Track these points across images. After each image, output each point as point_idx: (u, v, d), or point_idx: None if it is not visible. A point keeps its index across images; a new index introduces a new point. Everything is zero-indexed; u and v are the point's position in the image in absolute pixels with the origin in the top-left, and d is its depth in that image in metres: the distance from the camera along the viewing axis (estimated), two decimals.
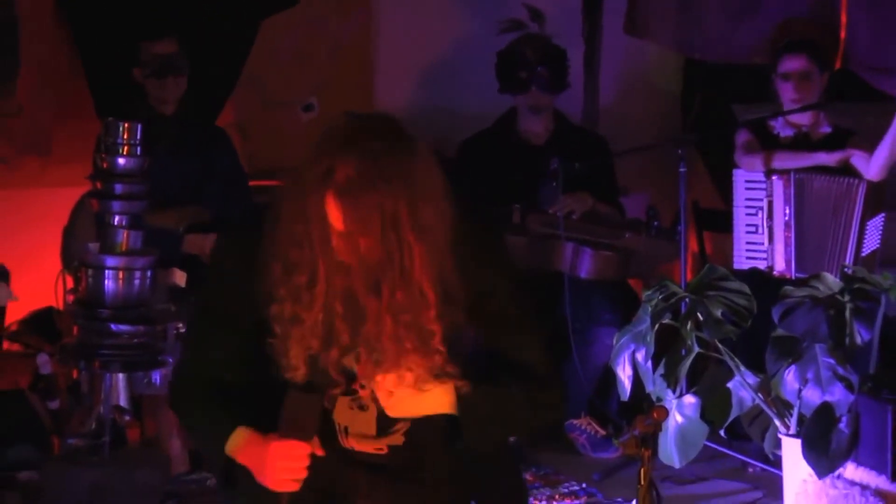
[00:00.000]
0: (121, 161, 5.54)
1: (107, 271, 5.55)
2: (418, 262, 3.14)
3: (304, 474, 3.23)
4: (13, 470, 5.72)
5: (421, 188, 3.14)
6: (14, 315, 6.51)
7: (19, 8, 6.90)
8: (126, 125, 5.55)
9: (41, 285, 6.12)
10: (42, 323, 6.26)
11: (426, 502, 3.39)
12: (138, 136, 5.55)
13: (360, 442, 3.37)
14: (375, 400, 3.32)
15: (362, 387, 3.32)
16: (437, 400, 3.29)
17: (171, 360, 5.66)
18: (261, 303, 3.24)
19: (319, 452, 3.25)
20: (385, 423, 3.35)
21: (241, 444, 3.33)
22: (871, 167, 6.28)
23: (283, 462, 3.24)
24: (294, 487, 3.24)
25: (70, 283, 5.81)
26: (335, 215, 3.11)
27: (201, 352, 3.43)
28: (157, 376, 5.68)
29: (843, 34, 6.78)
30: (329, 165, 3.10)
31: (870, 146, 6.30)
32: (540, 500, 5.63)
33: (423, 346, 3.19)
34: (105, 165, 5.57)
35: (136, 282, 5.60)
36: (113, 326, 5.52)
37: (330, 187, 3.09)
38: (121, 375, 5.62)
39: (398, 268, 3.13)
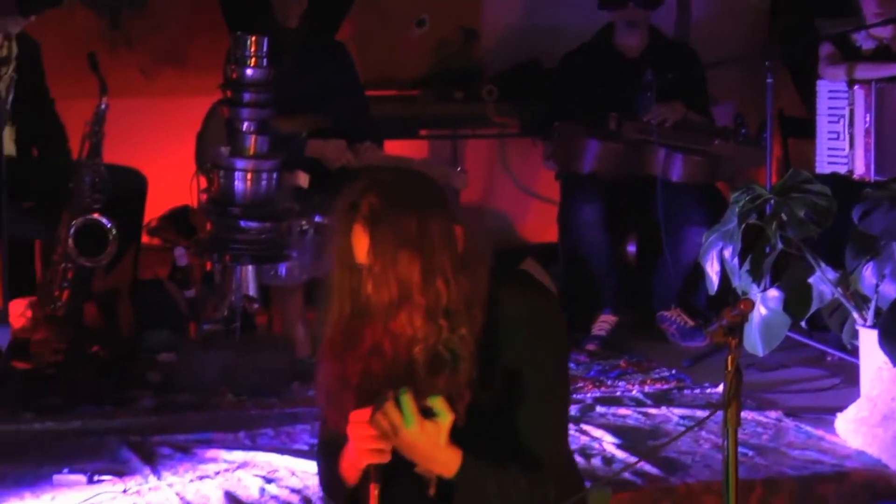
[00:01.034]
0: (249, 72, 5.58)
1: (236, 173, 5.60)
2: (418, 280, 3.01)
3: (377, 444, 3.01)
4: (153, 352, 5.82)
5: (429, 212, 3.06)
6: (153, 213, 6.57)
7: None
8: (253, 39, 5.58)
9: (177, 185, 6.18)
10: (179, 219, 6.33)
11: None
12: (265, 49, 5.58)
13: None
14: None
15: None
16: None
17: (295, 254, 5.70)
18: None
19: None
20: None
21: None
22: None
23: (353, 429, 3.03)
24: (382, 458, 3.01)
25: (203, 184, 5.87)
26: (361, 245, 3.05)
27: None
28: (282, 269, 5.74)
29: None
30: (353, 201, 3.06)
31: None
32: (633, 385, 5.64)
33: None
34: (234, 76, 5.60)
35: (263, 182, 5.64)
36: (242, 223, 5.58)
37: (357, 220, 3.05)
38: (250, 267, 5.67)
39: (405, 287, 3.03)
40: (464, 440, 3.06)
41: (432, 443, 2.98)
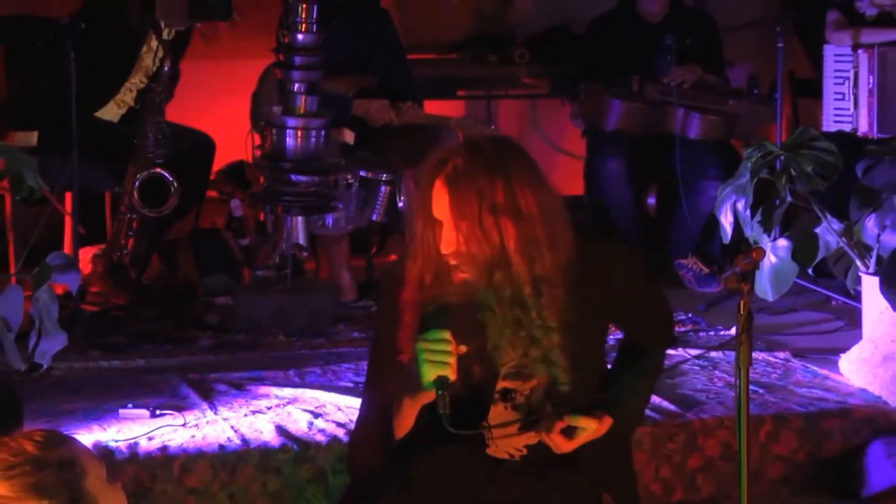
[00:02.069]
0: (300, 36, 5.55)
1: (288, 130, 5.58)
2: (513, 245, 2.99)
3: (450, 359, 2.99)
4: (211, 295, 5.82)
5: (518, 178, 3.01)
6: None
7: None
8: (304, 5, 5.54)
9: (234, 142, 6.16)
10: (234, 173, 6.31)
11: (556, 493, 3.21)
12: (314, 15, 5.55)
13: (502, 441, 3.20)
14: (520, 408, 3.17)
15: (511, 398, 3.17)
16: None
17: (341, 205, 5.68)
18: None
19: (462, 349, 3.01)
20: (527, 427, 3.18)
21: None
22: None
23: (425, 344, 2.99)
24: (448, 372, 2.97)
25: (257, 141, 5.86)
26: (440, 202, 3.01)
27: None
28: (329, 219, 5.73)
29: None
30: (442, 158, 3.01)
31: None
32: None
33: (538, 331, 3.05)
34: (286, 40, 5.57)
35: (312, 139, 5.62)
36: (293, 177, 5.56)
37: (439, 176, 3.00)
38: (300, 218, 5.66)
39: (496, 250, 2.99)
40: (580, 397, 3.10)
41: (595, 435, 3.08)
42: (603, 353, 3.29)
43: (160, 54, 5.91)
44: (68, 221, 5.73)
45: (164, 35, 5.85)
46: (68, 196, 5.67)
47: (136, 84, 5.99)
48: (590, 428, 3.08)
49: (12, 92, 6.03)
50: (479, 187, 2.95)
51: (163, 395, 4.68)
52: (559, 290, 3.03)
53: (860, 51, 6.26)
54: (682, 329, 5.60)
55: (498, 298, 3.02)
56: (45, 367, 4.51)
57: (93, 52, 5.60)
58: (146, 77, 5.99)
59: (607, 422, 3.11)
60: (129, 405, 4.51)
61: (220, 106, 6.71)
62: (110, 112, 5.97)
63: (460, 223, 2.97)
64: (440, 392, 2.95)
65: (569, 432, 3.10)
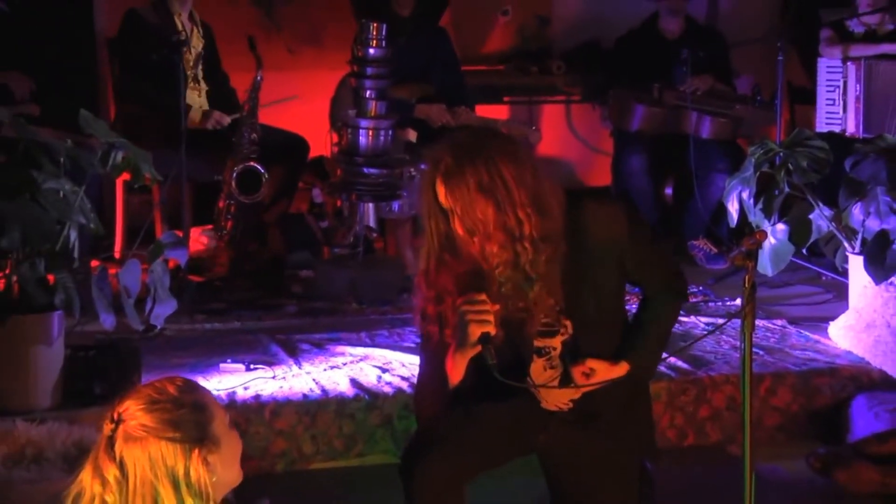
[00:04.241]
0: (371, 51, 5.53)
1: (361, 130, 5.58)
2: (509, 212, 2.93)
3: (490, 316, 2.96)
4: (296, 269, 5.82)
5: (498, 157, 2.94)
6: None
7: None
8: (375, 24, 5.54)
9: (315, 140, 6.17)
10: (316, 166, 6.32)
11: (602, 443, 3.19)
12: (384, 33, 5.54)
13: (550, 395, 3.19)
14: (563, 361, 3.14)
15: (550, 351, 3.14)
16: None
17: (405, 193, 5.68)
18: None
19: (496, 307, 2.98)
20: (568, 381, 3.14)
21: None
22: None
23: (467, 307, 2.97)
24: (489, 328, 2.95)
25: (335, 139, 5.86)
26: (442, 195, 2.96)
27: None
28: (395, 205, 5.72)
29: None
30: (434, 158, 2.97)
31: None
32: None
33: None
34: (360, 54, 5.57)
35: (381, 138, 5.62)
36: (365, 169, 5.56)
37: (436, 175, 2.96)
38: (370, 204, 5.66)
39: (494, 222, 2.94)
40: (602, 349, 3.09)
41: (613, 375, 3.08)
42: (622, 311, 3.23)
43: (196, 34, 5.92)
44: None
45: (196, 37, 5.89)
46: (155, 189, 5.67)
47: (196, 70, 5.98)
48: (604, 369, 3.07)
49: (127, 102, 6.06)
50: (466, 175, 2.91)
51: (256, 352, 4.71)
52: (558, 247, 2.98)
53: (849, 63, 6.20)
54: (694, 300, 5.58)
55: (506, 263, 2.97)
56: (158, 328, 4.58)
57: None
58: (199, 60, 5.97)
59: (623, 367, 3.11)
60: (228, 360, 4.56)
61: (303, 109, 6.72)
62: (195, 103, 5.96)
63: (460, 207, 2.94)
64: (486, 345, 2.95)
65: (589, 377, 3.09)
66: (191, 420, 2.27)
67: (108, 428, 2.26)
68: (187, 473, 2.25)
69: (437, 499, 3.08)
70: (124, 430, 2.25)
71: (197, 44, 6.01)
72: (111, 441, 2.25)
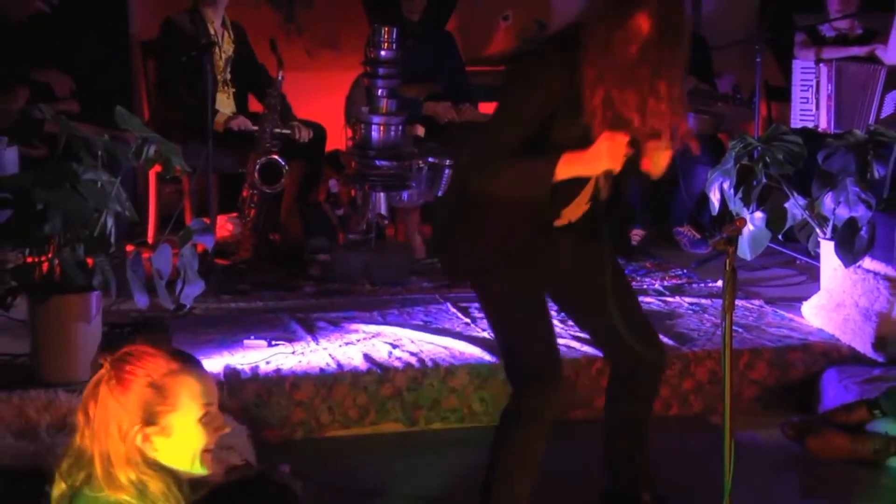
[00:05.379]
0: (383, 53, 5.52)
1: (373, 126, 5.56)
2: None
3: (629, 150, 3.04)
4: (314, 253, 5.82)
5: None
6: None
7: None
8: (386, 29, 5.52)
9: (331, 134, 6.17)
10: (332, 159, 6.31)
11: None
12: (394, 36, 5.52)
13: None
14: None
15: None
16: None
17: (413, 184, 5.67)
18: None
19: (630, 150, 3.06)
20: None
21: (563, 163, 3.01)
22: (889, 55, 6.08)
23: (613, 143, 2.98)
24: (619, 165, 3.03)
25: (350, 133, 5.85)
26: None
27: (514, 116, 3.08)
28: (405, 195, 5.70)
29: None
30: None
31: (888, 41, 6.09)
32: (655, 280, 5.58)
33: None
34: (372, 56, 5.55)
35: (392, 133, 5.60)
36: (377, 162, 5.55)
37: None
38: (382, 194, 5.63)
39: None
40: None
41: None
42: None
43: (227, 38, 5.90)
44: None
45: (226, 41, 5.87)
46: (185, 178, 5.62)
47: (225, 73, 5.97)
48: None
49: (161, 101, 6.06)
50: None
51: (277, 329, 4.71)
52: None
53: (821, 65, 6.19)
54: (679, 282, 5.57)
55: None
56: (188, 307, 4.58)
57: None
58: (228, 63, 5.94)
59: None
60: (252, 336, 4.55)
61: (321, 106, 6.71)
62: (223, 105, 5.95)
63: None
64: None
65: None
66: (149, 402, 2.28)
67: (101, 372, 2.30)
68: (130, 439, 2.27)
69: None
70: (107, 379, 2.29)
71: (228, 48, 5.99)
72: (97, 385, 2.30)
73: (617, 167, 3.07)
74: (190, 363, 2.35)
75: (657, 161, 3.15)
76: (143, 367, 2.28)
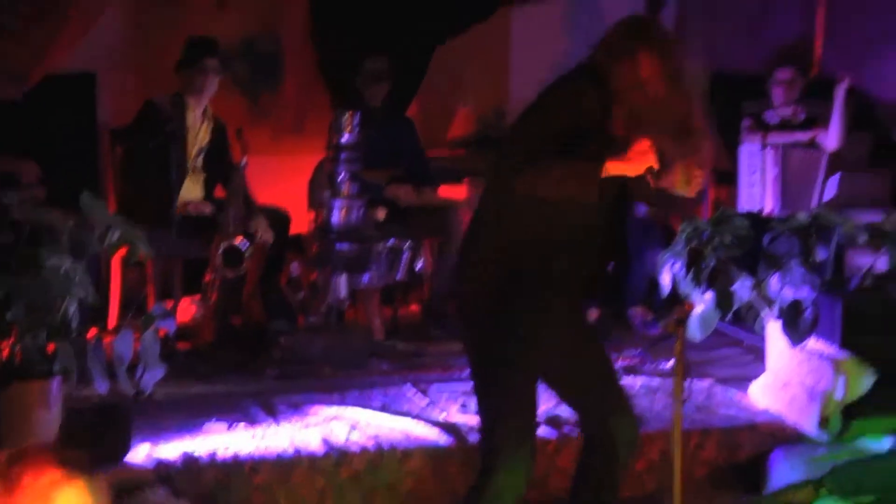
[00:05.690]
0: (345, 137, 5.56)
1: (335, 209, 5.58)
2: None
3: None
4: (276, 336, 5.77)
5: None
6: None
7: (284, 43, 6.92)
8: (349, 114, 5.56)
9: (295, 217, 6.17)
10: (295, 242, 6.30)
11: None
12: (356, 122, 5.56)
13: None
14: None
15: None
16: None
17: (374, 267, 5.67)
18: None
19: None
20: None
21: (609, 162, 3.26)
22: (829, 141, 6.18)
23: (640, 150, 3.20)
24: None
25: (312, 216, 5.85)
26: None
27: None
28: (365, 277, 5.70)
29: (817, 53, 6.57)
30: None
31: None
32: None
33: None
34: (335, 140, 5.59)
35: (353, 216, 5.62)
36: (338, 245, 5.56)
37: None
38: (343, 277, 5.63)
39: None
40: None
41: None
42: None
43: (205, 128, 5.92)
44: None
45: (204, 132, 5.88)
46: (149, 263, 5.63)
47: (196, 161, 5.98)
48: None
49: (128, 184, 6.06)
50: None
51: (237, 412, 4.68)
52: None
53: (768, 149, 6.27)
54: (633, 361, 5.58)
55: None
56: (147, 392, 4.53)
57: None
58: (200, 152, 5.96)
59: None
60: (213, 420, 4.52)
61: (284, 190, 6.72)
62: (190, 191, 5.96)
63: None
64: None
65: None
66: None
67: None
68: None
69: None
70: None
71: (203, 137, 5.99)
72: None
73: (655, 164, 3.22)
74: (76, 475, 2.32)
75: (689, 179, 3.28)
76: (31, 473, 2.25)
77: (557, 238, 3.28)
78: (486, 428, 3.27)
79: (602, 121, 3.25)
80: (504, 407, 3.22)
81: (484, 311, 3.27)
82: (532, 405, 3.24)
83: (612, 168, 3.21)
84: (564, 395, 3.52)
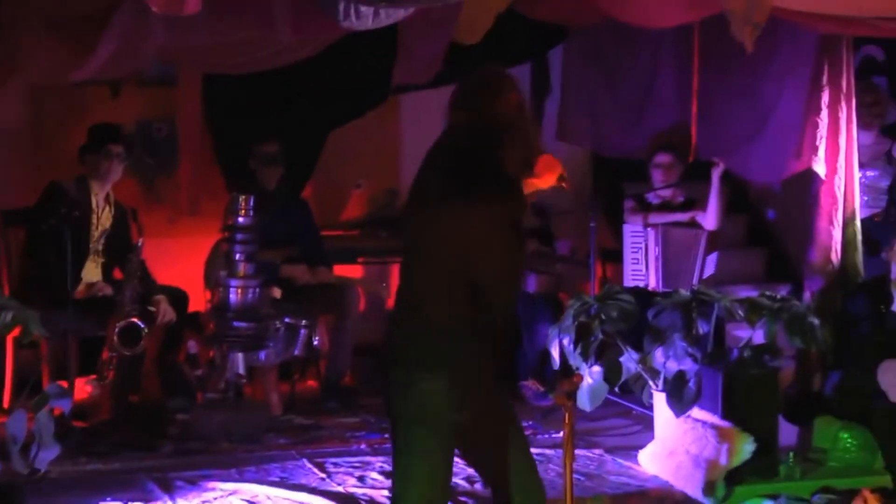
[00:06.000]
0: (240, 219, 5.55)
1: (231, 289, 5.55)
2: None
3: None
4: (173, 413, 5.69)
5: None
6: None
7: (178, 128, 6.87)
8: (244, 197, 5.56)
9: (192, 296, 6.09)
10: (192, 320, 6.22)
11: None
12: (251, 204, 5.56)
13: None
14: None
15: None
16: None
17: (271, 344, 5.62)
18: None
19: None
20: None
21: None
22: (707, 221, 6.34)
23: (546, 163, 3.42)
24: None
25: (209, 296, 5.80)
26: None
27: None
28: (262, 354, 5.66)
29: (693, 140, 6.73)
30: None
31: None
32: None
33: None
34: (230, 222, 5.58)
35: (250, 295, 5.59)
36: (235, 323, 5.51)
37: None
38: (240, 354, 5.58)
39: None
40: None
41: None
42: None
43: (107, 212, 5.86)
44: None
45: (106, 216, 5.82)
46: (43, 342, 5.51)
47: (98, 244, 5.90)
48: None
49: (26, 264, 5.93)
50: None
51: (134, 490, 4.58)
52: None
53: (649, 229, 6.38)
54: (526, 433, 5.57)
55: None
56: (42, 471, 4.41)
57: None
58: (102, 235, 5.89)
59: None
60: (108, 499, 4.41)
61: (180, 271, 6.64)
62: (90, 273, 5.87)
63: None
64: None
65: None
66: None
67: None
68: None
69: None
70: None
71: (105, 221, 5.92)
72: None
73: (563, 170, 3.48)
74: None
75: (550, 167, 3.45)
76: None
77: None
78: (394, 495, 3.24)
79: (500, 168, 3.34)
80: (416, 482, 3.18)
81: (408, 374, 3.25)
82: (445, 483, 3.20)
83: (528, 186, 3.34)
84: (477, 466, 3.51)
